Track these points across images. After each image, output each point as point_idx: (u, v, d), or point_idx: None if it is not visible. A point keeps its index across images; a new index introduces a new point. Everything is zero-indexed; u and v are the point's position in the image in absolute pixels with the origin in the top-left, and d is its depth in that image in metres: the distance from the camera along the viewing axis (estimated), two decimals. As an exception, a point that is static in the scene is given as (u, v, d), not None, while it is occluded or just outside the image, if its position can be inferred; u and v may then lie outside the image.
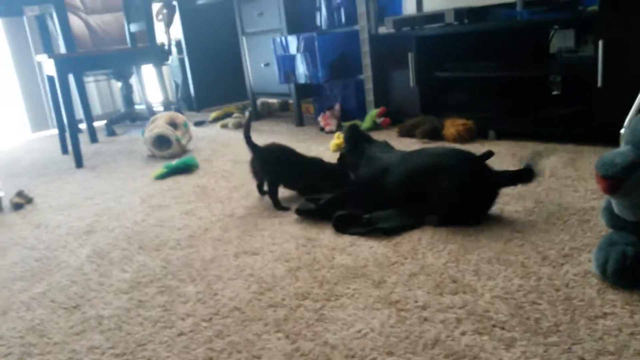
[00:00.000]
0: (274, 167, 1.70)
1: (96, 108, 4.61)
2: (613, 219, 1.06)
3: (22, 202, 2.09)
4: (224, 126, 3.46)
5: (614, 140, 1.61)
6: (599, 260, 1.02)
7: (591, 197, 1.47)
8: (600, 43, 1.81)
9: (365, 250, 1.30)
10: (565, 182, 1.61)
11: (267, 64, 3.29)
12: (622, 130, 1.55)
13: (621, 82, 1.80)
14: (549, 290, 1.02)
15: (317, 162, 1.76)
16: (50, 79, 2.95)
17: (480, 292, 1.04)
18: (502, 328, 0.92)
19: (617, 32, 1.78)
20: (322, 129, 2.92)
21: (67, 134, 2.76)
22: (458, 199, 1.34)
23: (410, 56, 2.50)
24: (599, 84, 1.85)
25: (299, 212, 1.56)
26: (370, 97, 2.82)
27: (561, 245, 1.20)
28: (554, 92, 2.52)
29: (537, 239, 1.24)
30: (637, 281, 0.98)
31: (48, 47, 3.79)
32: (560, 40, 2.30)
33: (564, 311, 0.94)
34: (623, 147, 0.99)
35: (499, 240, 1.26)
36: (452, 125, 2.24)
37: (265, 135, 3.00)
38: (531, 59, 2.40)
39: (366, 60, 2.77)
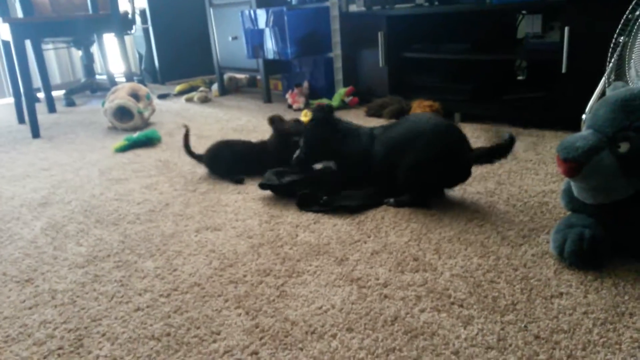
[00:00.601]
0: (222, 165, 1.75)
1: (55, 77, 4.43)
2: (572, 202, 1.08)
3: (-27, 171, 2.00)
4: (189, 100, 3.39)
5: (576, 125, 1.65)
6: (556, 241, 1.04)
7: (551, 180, 1.50)
8: (567, 30, 1.84)
9: (328, 227, 1.30)
10: (527, 165, 1.64)
11: (235, 38, 3.21)
12: (584, 116, 1.58)
13: (585, 69, 1.83)
14: (507, 270, 1.04)
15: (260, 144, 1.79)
16: (6, 44, 2.81)
17: (440, 270, 1.05)
18: (461, 306, 0.93)
19: (583, 20, 1.81)
20: (290, 106, 2.89)
21: (24, 103, 2.65)
22: (424, 176, 1.33)
23: (380, 36, 2.49)
24: (564, 70, 1.88)
25: (262, 186, 1.53)
26: (339, 75, 2.80)
27: (520, 226, 1.22)
28: (520, 77, 2.55)
29: (497, 220, 1.26)
30: (592, 262, 1.01)
31: (4, 10, 3.60)
32: (528, 26, 2.32)
33: (521, 290, 0.96)
34: (584, 132, 1.00)
35: (460, 220, 1.27)
36: (419, 107, 2.25)
37: (233, 110, 2.94)
38: (498, 43, 2.42)
39: (336, 38, 2.74)
